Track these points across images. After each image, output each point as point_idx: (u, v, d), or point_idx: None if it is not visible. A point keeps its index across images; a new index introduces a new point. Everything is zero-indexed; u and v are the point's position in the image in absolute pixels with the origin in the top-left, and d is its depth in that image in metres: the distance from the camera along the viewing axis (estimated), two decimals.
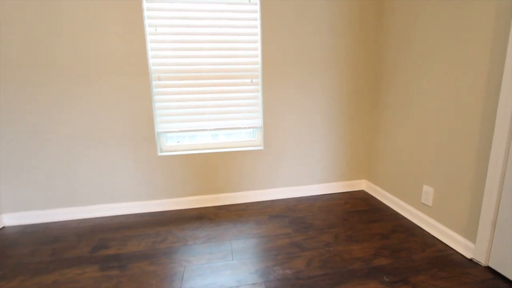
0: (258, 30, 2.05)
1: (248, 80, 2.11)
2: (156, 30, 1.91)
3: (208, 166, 2.15)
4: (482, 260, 1.41)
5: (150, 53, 1.93)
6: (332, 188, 2.42)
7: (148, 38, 1.91)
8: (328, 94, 2.24)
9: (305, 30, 2.08)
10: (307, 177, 2.36)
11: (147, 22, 1.89)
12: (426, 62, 1.71)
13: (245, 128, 2.18)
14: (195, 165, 2.12)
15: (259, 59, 2.10)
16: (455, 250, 1.54)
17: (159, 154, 2.06)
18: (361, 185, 2.48)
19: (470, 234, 1.48)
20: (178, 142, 2.17)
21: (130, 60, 1.88)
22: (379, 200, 2.23)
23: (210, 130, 2.13)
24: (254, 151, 2.20)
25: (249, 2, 1.98)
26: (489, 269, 1.38)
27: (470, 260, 1.46)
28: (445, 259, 1.47)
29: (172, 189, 2.13)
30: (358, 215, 1.98)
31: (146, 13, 1.87)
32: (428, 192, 1.75)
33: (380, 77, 2.19)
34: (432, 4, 1.64)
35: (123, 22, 1.83)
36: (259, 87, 2.15)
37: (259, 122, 2.21)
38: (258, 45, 2.07)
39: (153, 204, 2.11)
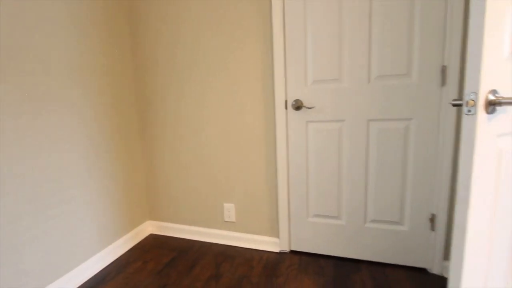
0: None
1: None
2: None
3: None
4: (286, 248, 1.69)
5: None
6: (116, 251, 1.70)
7: None
8: (88, 127, 1.51)
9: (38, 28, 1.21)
10: (78, 253, 1.45)
11: None
12: (192, 81, 1.70)
13: None
14: None
15: None
16: (269, 252, 1.71)
17: None
18: (147, 229, 2.00)
19: (274, 232, 1.71)
20: None
21: None
22: (176, 238, 1.93)
23: None
24: None
25: None
26: (293, 252, 1.69)
27: (279, 252, 1.69)
28: (269, 265, 1.58)
29: None
30: (173, 271, 1.56)
31: None
32: (230, 209, 1.78)
33: (148, 99, 1.86)
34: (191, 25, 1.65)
35: None
36: None
37: None
38: None
39: None
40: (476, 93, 0.69)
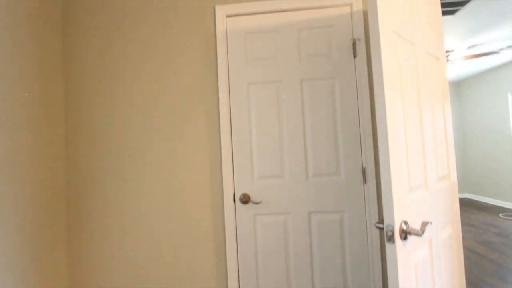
0: None
1: None
2: None
3: None
4: None
5: None
6: None
7: None
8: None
9: None
10: None
11: None
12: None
13: None
14: None
15: None
16: None
17: None
18: None
19: None
20: None
21: None
22: None
23: None
24: None
25: None
26: None
27: None
28: None
29: None
30: None
31: None
32: None
33: (82, 195, 1.68)
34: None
35: None
36: None
37: None
38: None
39: None
40: (392, 226, 0.87)
